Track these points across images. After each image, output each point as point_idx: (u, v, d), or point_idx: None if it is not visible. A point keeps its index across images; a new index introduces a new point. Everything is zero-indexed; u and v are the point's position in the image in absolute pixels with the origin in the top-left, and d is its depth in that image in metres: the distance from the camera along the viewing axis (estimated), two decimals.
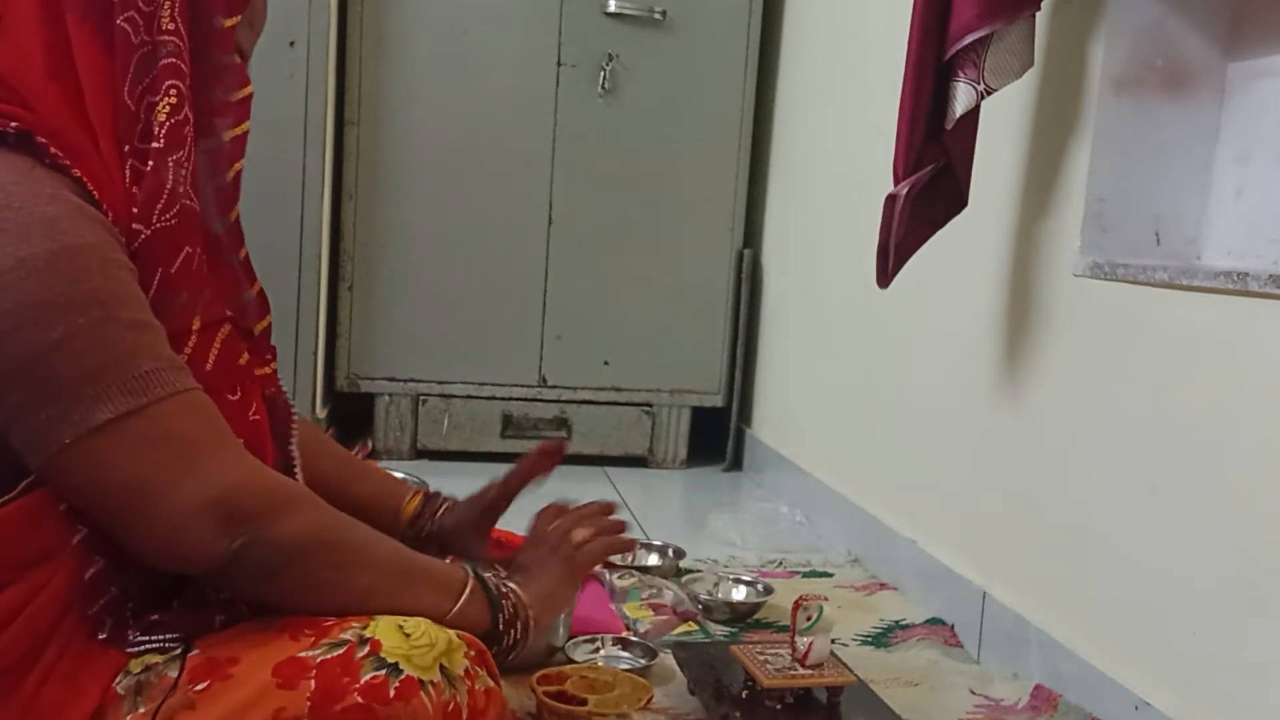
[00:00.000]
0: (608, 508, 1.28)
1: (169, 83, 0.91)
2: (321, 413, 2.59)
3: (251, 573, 0.90)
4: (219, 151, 1.00)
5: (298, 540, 0.91)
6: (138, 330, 0.86)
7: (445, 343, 2.71)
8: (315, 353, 2.50)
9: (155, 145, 0.90)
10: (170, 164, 0.91)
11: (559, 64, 2.67)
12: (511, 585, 1.08)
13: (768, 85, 2.83)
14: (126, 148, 0.90)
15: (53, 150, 0.86)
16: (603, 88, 2.68)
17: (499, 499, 1.38)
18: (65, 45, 0.89)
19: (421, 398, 2.72)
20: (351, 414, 2.78)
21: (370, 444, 2.69)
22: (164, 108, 0.91)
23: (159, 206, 0.90)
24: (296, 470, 1.12)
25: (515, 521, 1.47)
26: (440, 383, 2.73)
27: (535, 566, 1.14)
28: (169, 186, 0.91)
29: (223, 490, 0.87)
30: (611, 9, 2.65)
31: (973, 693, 1.51)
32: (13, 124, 0.85)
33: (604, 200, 2.73)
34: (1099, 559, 1.43)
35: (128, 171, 0.90)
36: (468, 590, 1.01)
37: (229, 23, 0.98)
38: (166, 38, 0.91)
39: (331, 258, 2.63)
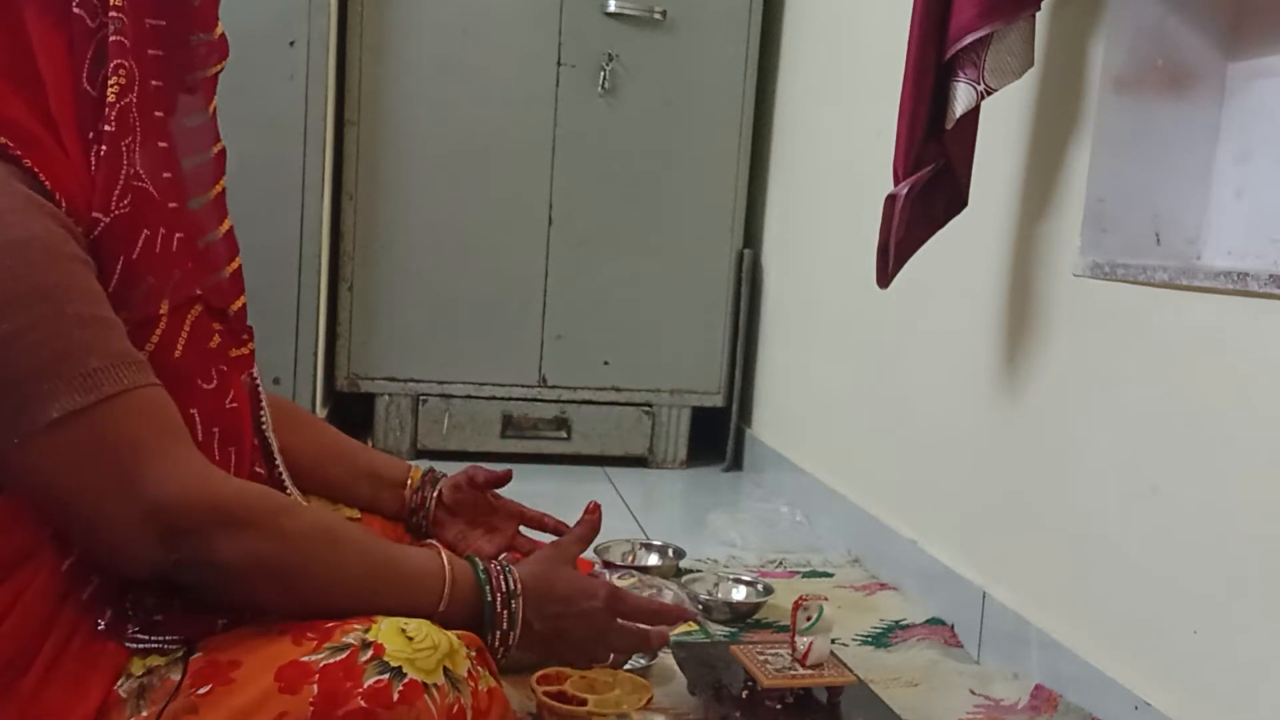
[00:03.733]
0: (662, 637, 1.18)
1: (116, 61, 0.90)
2: (321, 413, 2.59)
3: (193, 583, 0.90)
4: (205, 127, 1.00)
5: (234, 565, 0.88)
6: (87, 326, 0.84)
7: (445, 343, 2.71)
8: (315, 353, 2.50)
9: (107, 128, 0.89)
10: (123, 148, 0.90)
11: (559, 64, 2.67)
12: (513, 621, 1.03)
13: (768, 85, 2.83)
14: (91, 134, 0.89)
15: (1, 140, 0.84)
16: (603, 88, 2.68)
17: (488, 481, 1.38)
18: (24, 41, 0.88)
19: (421, 398, 2.72)
20: (351, 414, 2.78)
21: (370, 444, 2.70)
22: (114, 87, 0.90)
23: (115, 194, 0.89)
24: (277, 460, 1.11)
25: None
26: (440, 383, 2.73)
27: (558, 637, 1.07)
28: (123, 172, 0.90)
29: (163, 503, 0.85)
30: (611, 9, 2.65)
31: (973, 693, 1.51)
32: None
33: (604, 200, 2.73)
34: (1099, 559, 1.43)
35: (93, 158, 0.89)
36: (442, 604, 0.98)
37: None
38: (114, 14, 0.90)
39: (331, 258, 2.63)
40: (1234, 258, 1.42)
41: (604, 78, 2.68)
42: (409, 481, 1.38)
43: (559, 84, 2.67)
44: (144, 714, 0.86)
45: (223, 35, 1.01)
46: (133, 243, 0.90)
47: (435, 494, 1.38)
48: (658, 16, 2.67)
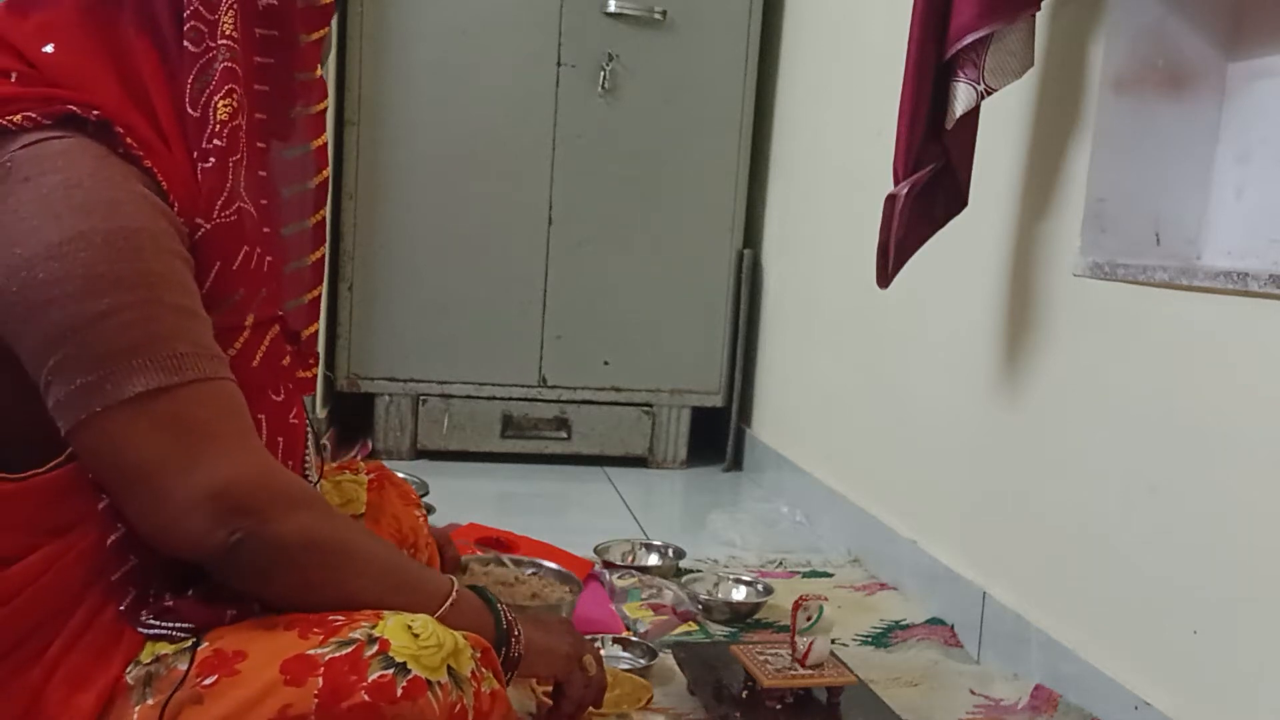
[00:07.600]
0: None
1: (228, 85, 0.95)
2: (321, 413, 2.59)
3: (246, 568, 0.90)
4: (306, 159, 1.06)
5: (293, 541, 0.91)
6: (181, 315, 0.89)
7: (445, 343, 2.71)
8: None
9: (217, 143, 0.94)
10: (230, 164, 0.95)
11: (559, 64, 2.67)
12: (513, 614, 1.08)
13: (768, 85, 2.83)
14: (195, 153, 0.94)
15: (128, 140, 0.89)
16: (603, 88, 2.68)
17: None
18: (133, 62, 0.94)
19: (421, 398, 2.72)
20: (351, 414, 2.78)
21: (370, 444, 2.70)
22: (225, 108, 0.95)
23: (219, 203, 0.94)
24: (311, 474, 1.13)
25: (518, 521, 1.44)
26: (440, 383, 2.73)
27: (544, 625, 1.15)
28: (229, 185, 0.95)
29: (229, 482, 0.88)
30: (611, 9, 2.65)
31: (973, 693, 1.51)
32: (94, 112, 0.89)
33: (604, 200, 2.74)
34: (1099, 559, 1.43)
35: (199, 172, 0.94)
36: (450, 600, 1.01)
37: (314, 37, 1.04)
38: (225, 43, 0.95)
39: (331, 258, 2.63)
40: (1234, 258, 1.42)
41: (604, 78, 2.68)
42: None
43: (559, 84, 2.68)
44: (149, 702, 0.87)
45: (321, 77, 1.07)
46: (232, 253, 0.95)
47: None
48: (658, 16, 2.67)
